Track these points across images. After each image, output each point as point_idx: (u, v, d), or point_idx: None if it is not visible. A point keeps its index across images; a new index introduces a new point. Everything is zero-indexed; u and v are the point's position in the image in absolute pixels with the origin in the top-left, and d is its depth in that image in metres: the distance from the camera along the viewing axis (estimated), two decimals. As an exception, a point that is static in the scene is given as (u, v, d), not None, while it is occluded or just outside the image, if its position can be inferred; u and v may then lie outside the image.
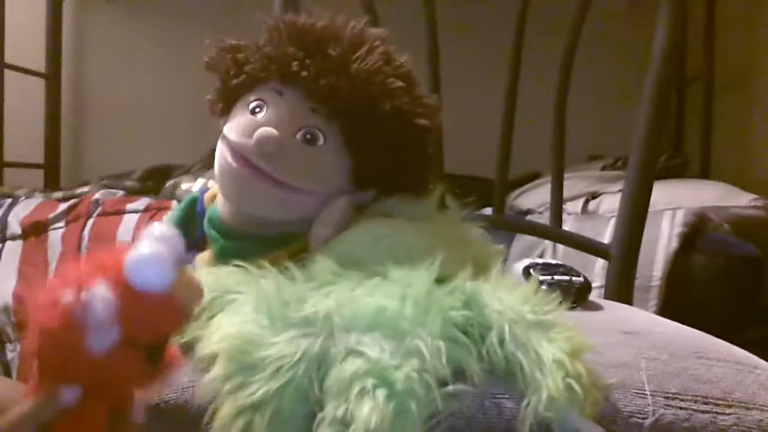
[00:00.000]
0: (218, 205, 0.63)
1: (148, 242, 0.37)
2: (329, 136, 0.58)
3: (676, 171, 1.59)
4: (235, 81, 0.60)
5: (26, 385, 0.44)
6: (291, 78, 0.58)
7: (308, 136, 0.57)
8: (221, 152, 0.60)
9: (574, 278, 0.69)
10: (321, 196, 0.59)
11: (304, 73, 0.57)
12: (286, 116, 0.58)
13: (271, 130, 0.56)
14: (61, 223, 1.40)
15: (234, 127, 0.59)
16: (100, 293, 0.35)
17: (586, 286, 0.70)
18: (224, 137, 0.60)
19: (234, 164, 0.58)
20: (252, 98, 0.60)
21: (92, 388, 0.38)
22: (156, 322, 0.38)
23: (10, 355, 1.26)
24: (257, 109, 0.59)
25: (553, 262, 0.74)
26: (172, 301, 0.38)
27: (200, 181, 1.44)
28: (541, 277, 0.68)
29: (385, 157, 0.59)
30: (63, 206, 1.42)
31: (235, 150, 0.58)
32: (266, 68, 0.59)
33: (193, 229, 0.65)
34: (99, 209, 1.39)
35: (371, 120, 0.57)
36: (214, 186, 0.65)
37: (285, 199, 0.58)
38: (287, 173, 0.57)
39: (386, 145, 0.59)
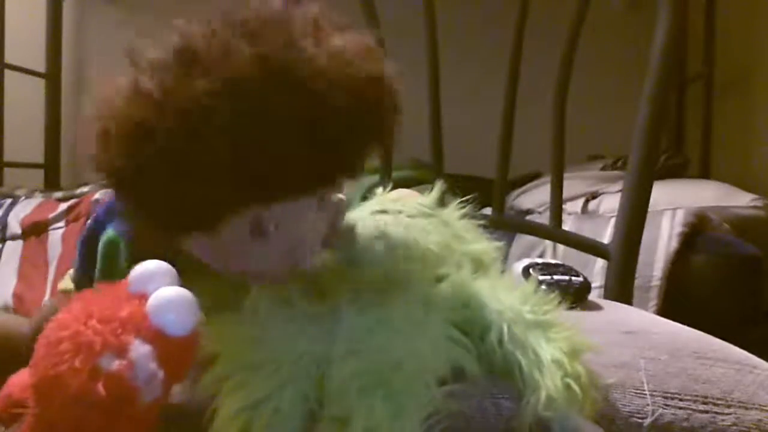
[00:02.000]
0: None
1: (157, 282, 0.36)
2: None
3: (676, 171, 1.58)
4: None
5: None
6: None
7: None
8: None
9: (573, 278, 0.69)
10: None
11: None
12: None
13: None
14: (61, 223, 1.40)
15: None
16: (141, 350, 0.34)
17: (586, 286, 0.70)
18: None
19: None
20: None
21: None
22: (189, 360, 0.38)
23: (10, 355, 1.26)
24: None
25: (553, 262, 0.74)
26: (198, 337, 0.38)
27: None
28: (541, 277, 0.68)
29: (367, 126, 0.46)
30: (63, 206, 1.43)
31: None
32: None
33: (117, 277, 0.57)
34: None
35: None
36: None
37: None
38: None
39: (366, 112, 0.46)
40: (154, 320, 0.35)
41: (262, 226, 0.44)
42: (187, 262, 0.52)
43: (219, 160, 0.38)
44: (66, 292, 0.58)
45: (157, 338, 0.35)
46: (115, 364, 0.34)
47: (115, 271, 0.55)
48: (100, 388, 0.33)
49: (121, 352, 0.34)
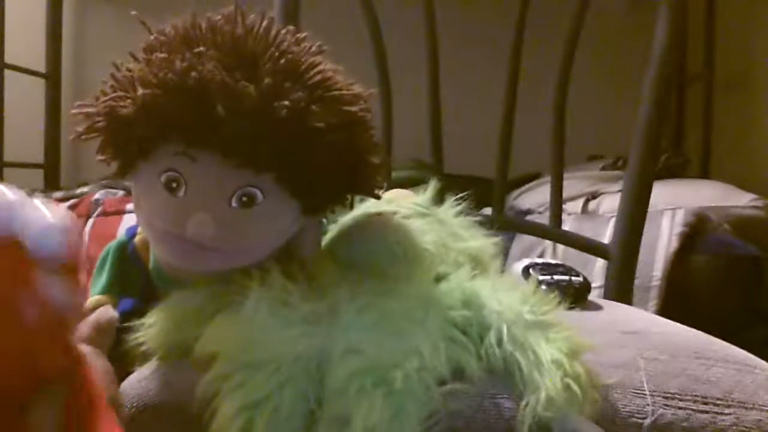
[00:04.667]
0: (156, 258, 0.58)
1: (20, 216, 0.36)
2: (266, 190, 0.50)
3: (676, 171, 1.59)
4: (128, 147, 0.52)
5: None
6: (200, 141, 0.49)
7: (244, 198, 0.50)
8: (149, 224, 0.53)
9: (573, 278, 0.69)
10: (279, 236, 0.54)
11: (216, 139, 0.48)
12: (213, 186, 0.50)
13: (205, 220, 0.49)
14: (61, 223, 1.40)
15: (154, 209, 0.52)
16: (51, 283, 0.35)
17: (586, 286, 0.70)
18: (142, 211, 0.54)
19: (172, 242, 0.52)
20: (161, 168, 0.51)
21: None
22: (80, 269, 0.39)
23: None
24: (174, 184, 0.50)
25: (553, 262, 0.74)
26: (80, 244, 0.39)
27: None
28: (541, 277, 0.68)
29: (334, 183, 0.53)
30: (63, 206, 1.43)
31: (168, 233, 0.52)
32: (163, 134, 0.50)
33: (129, 276, 0.59)
34: (99, 209, 1.39)
35: (307, 161, 0.50)
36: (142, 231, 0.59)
37: (242, 257, 0.53)
38: (235, 242, 0.51)
39: (331, 173, 0.52)
40: (40, 253, 0.35)
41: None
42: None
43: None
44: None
45: (55, 267, 0.35)
46: (35, 312, 0.34)
47: (127, 271, 0.60)
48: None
49: (33, 292, 0.34)
